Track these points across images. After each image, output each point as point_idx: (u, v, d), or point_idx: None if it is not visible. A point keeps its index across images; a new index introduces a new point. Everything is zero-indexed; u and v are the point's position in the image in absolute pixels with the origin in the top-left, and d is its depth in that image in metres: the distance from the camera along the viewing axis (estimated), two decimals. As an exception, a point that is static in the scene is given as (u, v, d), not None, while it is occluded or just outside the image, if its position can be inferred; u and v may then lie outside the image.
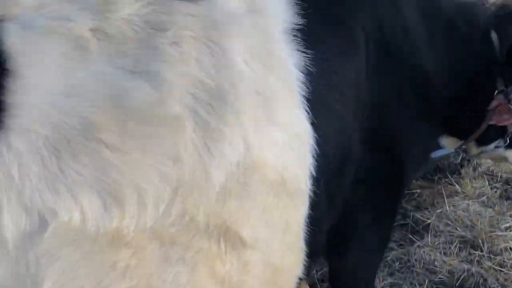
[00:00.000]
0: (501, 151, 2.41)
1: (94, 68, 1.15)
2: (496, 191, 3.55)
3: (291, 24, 1.45)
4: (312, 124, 1.43)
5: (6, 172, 1.06)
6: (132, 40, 1.20)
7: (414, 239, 3.13)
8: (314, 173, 1.44)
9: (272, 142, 1.32)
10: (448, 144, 2.44)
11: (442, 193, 3.47)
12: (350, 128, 1.69)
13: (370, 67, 1.76)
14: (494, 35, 2.21)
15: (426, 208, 3.40)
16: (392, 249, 3.04)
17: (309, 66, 1.44)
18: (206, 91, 1.22)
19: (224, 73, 1.25)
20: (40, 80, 1.12)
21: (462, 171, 3.69)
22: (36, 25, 1.17)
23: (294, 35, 1.45)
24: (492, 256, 3.01)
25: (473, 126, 2.25)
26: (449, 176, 3.65)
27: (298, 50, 1.43)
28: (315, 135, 1.44)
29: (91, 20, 1.20)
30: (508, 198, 3.52)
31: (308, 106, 1.42)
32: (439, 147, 2.44)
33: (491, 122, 2.21)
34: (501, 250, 3.04)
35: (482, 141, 2.37)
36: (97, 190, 1.12)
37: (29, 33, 1.16)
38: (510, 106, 2.11)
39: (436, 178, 3.66)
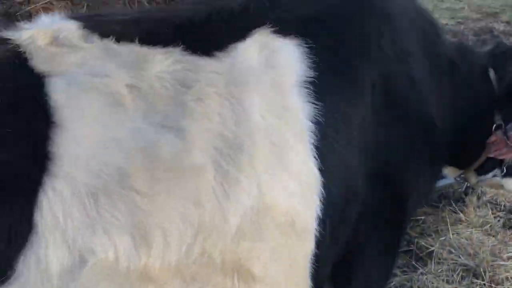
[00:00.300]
0: (498, 179, 2.53)
1: (130, 125, 1.31)
2: (499, 220, 3.62)
3: (303, 77, 1.59)
4: (320, 170, 1.57)
5: (52, 215, 1.22)
6: (162, 97, 1.36)
7: (418, 266, 3.22)
8: (320, 214, 1.57)
9: (284, 189, 1.46)
10: (449, 173, 2.60)
11: (446, 221, 3.55)
12: (355, 169, 1.81)
13: (375, 111, 1.89)
14: (492, 73, 2.35)
15: (430, 235, 3.48)
16: (396, 275, 3.13)
17: (318, 116, 1.58)
18: (227, 143, 1.38)
19: (243, 127, 1.41)
20: (81, 133, 1.28)
21: (466, 199, 3.78)
22: (78, 81, 1.34)
23: (306, 87, 1.59)
24: (493, 286, 3.06)
25: (472, 157, 2.40)
26: (454, 204, 3.73)
27: (309, 102, 1.58)
28: (323, 179, 1.58)
29: (128, 77, 1.36)
30: (511, 227, 3.59)
31: (316, 153, 1.56)
32: (442, 177, 2.59)
33: (490, 155, 2.34)
34: (502, 279, 3.10)
35: (481, 171, 2.50)
36: (128, 232, 1.27)
37: (73, 89, 1.32)
38: (509, 142, 2.23)
39: (440, 205, 3.75)
